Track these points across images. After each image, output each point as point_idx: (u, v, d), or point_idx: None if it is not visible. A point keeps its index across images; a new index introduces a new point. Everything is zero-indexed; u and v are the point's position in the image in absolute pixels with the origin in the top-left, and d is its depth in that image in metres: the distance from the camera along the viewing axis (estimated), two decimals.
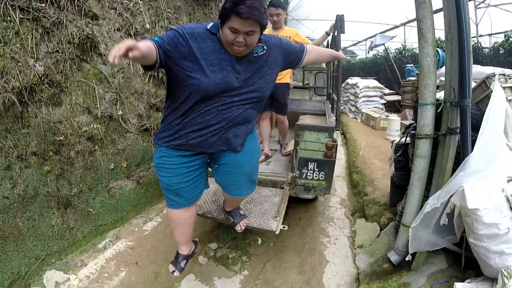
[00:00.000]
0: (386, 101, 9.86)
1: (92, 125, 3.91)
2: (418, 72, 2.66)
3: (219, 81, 1.71)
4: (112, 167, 4.15)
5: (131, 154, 4.46)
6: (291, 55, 2.03)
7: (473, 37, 9.73)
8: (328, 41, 4.94)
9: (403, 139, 3.05)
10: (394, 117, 7.66)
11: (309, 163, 3.32)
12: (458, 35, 2.17)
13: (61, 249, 3.41)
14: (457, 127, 2.20)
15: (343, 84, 11.83)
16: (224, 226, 3.77)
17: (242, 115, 1.91)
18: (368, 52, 12.30)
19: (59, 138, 3.55)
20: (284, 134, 4.45)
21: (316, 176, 3.34)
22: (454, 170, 2.14)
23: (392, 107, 9.79)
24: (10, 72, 3.22)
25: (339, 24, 3.38)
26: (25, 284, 3.00)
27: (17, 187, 3.15)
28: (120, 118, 4.34)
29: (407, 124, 3.92)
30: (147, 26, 5.25)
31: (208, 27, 1.73)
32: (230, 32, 1.58)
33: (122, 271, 3.19)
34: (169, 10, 6.03)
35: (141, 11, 5.27)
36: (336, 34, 3.61)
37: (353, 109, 10.44)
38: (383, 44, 10.54)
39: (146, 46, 1.60)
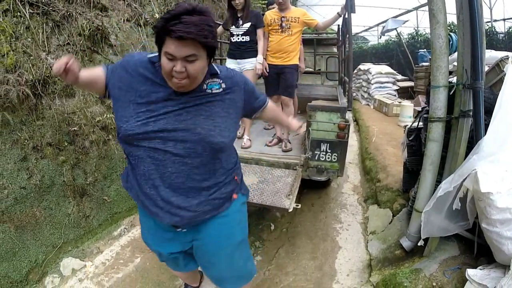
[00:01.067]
0: (399, 87, 9.72)
1: (105, 115, 3.98)
2: (430, 57, 2.61)
3: (141, 120, 1.30)
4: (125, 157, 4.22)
5: None
6: (251, 104, 1.62)
7: (487, 22, 9.46)
8: (338, 24, 4.87)
9: (416, 123, 3.01)
10: (407, 103, 7.56)
11: (322, 144, 3.31)
12: (470, 15, 2.12)
13: (77, 237, 3.52)
14: (470, 110, 2.17)
15: (355, 71, 11.66)
16: None
17: (182, 174, 1.38)
18: (380, 37, 12.08)
19: (73, 129, 3.63)
20: None
21: (328, 158, 3.33)
22: (467, 154, 2.12)
23: (405, 93, 9.64)
24: (23, 65, 3.29)
25: (349, 4, 3.32)
26: (42, 272, 3.10)
27: (33, 177, 3.25)
28: None
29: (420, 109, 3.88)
30: (156, 15, 5.26)
31: (149, 55, 1.37)
32: (166, 59, 1.19)
33: (137, 257, 3.29)
34: None
35: (149, 0, 5.28)
36: (346, 15, 3.56)
37: (366, 95, 10.31)
38: (395, 29, 10.34)
39: (88, 74, 1.36)
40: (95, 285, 2.98)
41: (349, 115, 3.31)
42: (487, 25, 8.84)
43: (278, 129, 4.12)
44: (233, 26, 3.82)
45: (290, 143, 3.92)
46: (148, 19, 5.07)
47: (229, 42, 4.10)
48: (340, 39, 5.19)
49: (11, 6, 3.34)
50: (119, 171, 4.11)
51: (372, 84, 9.80)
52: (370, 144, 5.70)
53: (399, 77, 10.06)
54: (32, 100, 3.29)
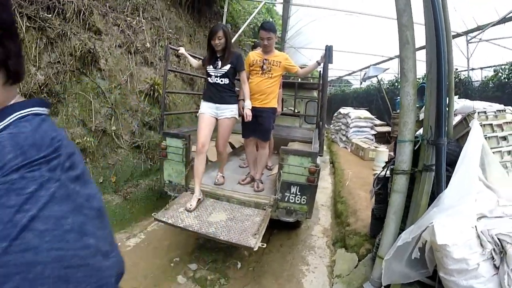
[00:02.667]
0: (376, 132, 10.07)
1: (85, 137, 4.02)
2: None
3: None
4: (101, 181, 4.22)
5: (120, 169, 4.55)
6: None
7: (464, 71, 10.07)
8: (320, 70, 5.12)
9: (383, 172, 3.16)
10: (383, 148, 7.83)
11: (292, 186, 3.42)
12: (437, 75, 2.32)
13: None
14: (433, 164, 2.33)
15: (336, 114, 12.09)
16: (206, 248, 3.82)
17: None
18: (361, 83, 12.63)
19: None
20: (262, 165, 4.07)
21: (298, 200, 3.43)
22: (430, 206, 2.24)
23: (382, 138, 10.00)
24: None
25: (327, 54, 3.51)
26: None
27: None
28: (113, 133, 4.47)
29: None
30: (148, 45, 5.42)
31: None
32: None
33: None
34: (170, 30, 6.24)
35: (143, 29, 5.46)
36: (325, 63, 3.76)
37: (344, 138, 10.63)
38: (376, 76, 10.86)
39: None
40: None
41: (319, 160, 3.43)
42: (464, 74, 9.39)
43: (252, 169, 4.14)
44: (211, 67, 3.61)
45: (262, 183, 3.98)
46: (139, 48, 5.20)
47: (205, 81, 3.97)
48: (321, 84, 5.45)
49: None
50: None
51: (351, 128, 10.13)
52: (344, 187, 5.84)
53: (377, 122, 10.45)
54: None
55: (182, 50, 4.04)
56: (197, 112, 3.86)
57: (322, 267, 3.65)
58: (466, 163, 2.17)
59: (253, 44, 5.54)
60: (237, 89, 3.89)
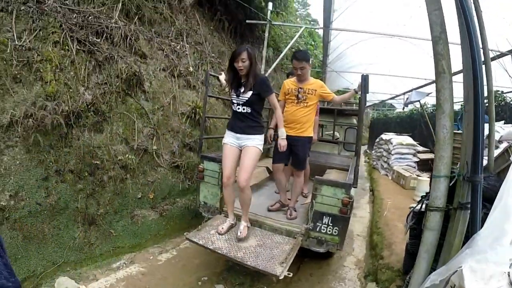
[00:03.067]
0: (419, 159, 9.65)
1: (127, 155, 4.30)
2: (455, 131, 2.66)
3: None
4: (139, 196, 4.47)
5: (159, 187, 4.78)
6: None
7: (509, 92, 9.39)
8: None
9: (419, 206, 3.06)
10: (425, 177, 7.51)
11: (324, 217, 3.42)
12: (474, 107, 2.22)
13: (77, 260, 3.72)
14: (469, 202, 2.23)
15: (377, 139, 11.80)
16: (234, 270, 3.87)
17: None
18: (403, 108, 12.24)
19: (95, 162, 3.96)
20: (296, 193, 4.09)
21: (329, 231, 3.42)
22: (463, 247, 2.12)
23: (425, 165, 9.55)
24: (62, 96, 3.72)
25: (363, 84, 3.47)
26: (37, 283, 3.31)
27: (50, 197, 3.56)
28: (154, 152, 4.74)
29: None
30: (191, 68, 5.72)
31: None
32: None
33: None
34: (213, 54, 6.53)
35: (186, 54, 5.78)
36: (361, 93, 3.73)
37: (385, 165, 10.31)
38: (419, 101, 10.54)
39: None
40: None
41: (359, 187, 3.40)
42: (510, 97, 8.79)
43: (283, 195, 4.13)
44: (233, 93, 3.35)
45: (295, 211, 3.96)
46: (182, 71, 5.50)
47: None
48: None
49: (61, 39, 3.83)
50: (129, 208, 4.35)
51: (392, 154, 9.82)
52: (381, 218, 5.66)
53: (420, 148, 10.01)
54: (64, 129, 3.67)
55: (221, 77, 3.83)
56: None
57: None
58: (504, 201, 2.02)
59: (287, 72, 5.63)
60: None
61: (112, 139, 4.24)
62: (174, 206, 4.95)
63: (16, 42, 3.56)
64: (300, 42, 13.76)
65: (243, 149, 3.34)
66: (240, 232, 3.37)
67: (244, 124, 3.33)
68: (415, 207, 3.14)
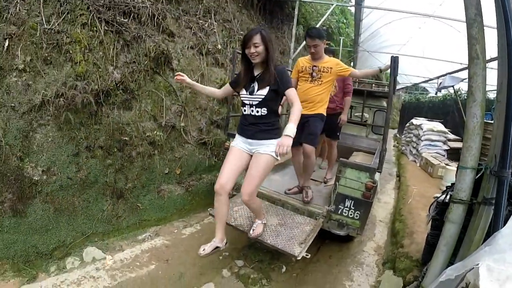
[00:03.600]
0: (449, 148, 9.34)
1: (155, 131, 4.48)
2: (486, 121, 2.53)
3: None
4: (166, 172, 4.68)
5: (186, 163, 4.98)
6: None
7: None
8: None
9: (443, 197, 3.02)
10: (454, 166, 7.30)
11: (347, 200, 3.45)
12: (507, 98, 2.13)
13: (105, 231, 3.99)
14: (493, 198, 2.19)
15: (408, 124, 11.49)
16: (255, 247, 4.01)
17: None
18: (436, 92, 11.75)
19: (124, 138, 4.15)
20: (308, 173, 3.94)
21: (351, 214, 3.44)
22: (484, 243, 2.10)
23: (455, 154, 9.21)
24: (91, 76, 3.87)
25: (392, 66, 3.35)
26: (66, 252, 3.60)
27: (80, 172, 3.80)
28: (182, 129, 4.90)
29: None
30: (219, 46, 5.74)
31: None
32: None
33: (153, 264, 3.61)
34: (241, 32, 6.50)
35: (214, 31, 5.79)
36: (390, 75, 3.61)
37: (414, 151, 10.07)
38: (453, 86, 10.08)
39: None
40: (108, 277, 3.35)
41: (387, 172, 3.39)
42: None
43: (300, 179, 4.05)
44: (245, 91, 2.78)
45: (311, 191, 3.94)
46: (210, 49, 5.53)
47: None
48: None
49: (89, 21, 3.95)
50: (156, 183, 4.56)
51: (422, 140, 9.55)
52: (405, 205, 5.61)
53: (451, 136, 9.66)
54: (93, 107, 3.84)
55: (185, 77, 3.14)
56: None
57: (365, 286, 3.61)
58: None
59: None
60: None
61: (140, 116, 4.40)
62: (200, 182, 5.13)
63: (45, 26, 3.69)
64: (332, 19, 13.35)
65: (253, 156, 2.83)
66: (253, 230, 3.16)
67: (257, 128, 2.77)
68: (439, 197, 3.10)
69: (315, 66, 3.78)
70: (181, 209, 4.78)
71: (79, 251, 3.65)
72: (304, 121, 3.65)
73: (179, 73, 3.00)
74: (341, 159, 3.58)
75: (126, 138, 4.18)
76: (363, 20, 13.05)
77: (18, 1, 3.65)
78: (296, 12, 7.96)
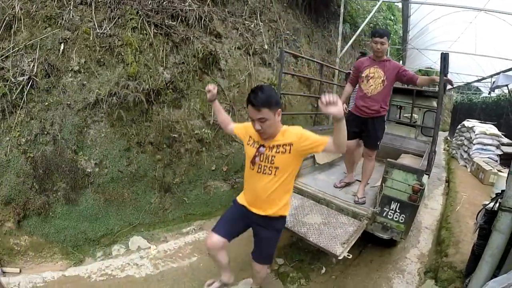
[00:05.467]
0: (502, 153, 8.79)
1: (203, 129, 4.79)
2: None
3: None
4: (213, 168, 4.98)
5: (232, 160, 5.24)
6: None
7: None
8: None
9: (492, 204, 2.91)
10: (506, 173, 6.92)
11: (392, 202, 3.42)
12: None
13: (151, 223, 4.31)
14: None
15: (459, 126, 10.99)
16: (296, 247, 4.11)
17: None
18: (489, 93, 11.08)
19: (173, 135, 4.48)
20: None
21: (396, 217, 3.41)
22: None
23: (509, 160, 8.70)
24: (142, 76, 4.18)
25: (443, 64, 3.27)
26: (113, 240, 3.94)
27: (131, 166, 4.15)
28: None
29: None
30: (266, 46, 5.92)
31: None
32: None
33: (195, 257, 3.85)
34: (287, 32, 6.63)
35: (261, 32, 5.96)
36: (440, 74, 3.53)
37: (465, 155, 9.60)
38: (507, 85, 9.46)
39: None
40: (151, 265, 3.62)
41: (435, 177, 3.33)
42: None
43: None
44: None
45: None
46: (257, 49, 5.71)
47: None
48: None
49: (139, 24, 4.26)
50: (203, 179, 4.86)
51: (474, 144, 9.08)
52: (453, 212, 5.43)
53: (505, 140, 9.06)
54: (145, 105, 4.16)
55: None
56: (312, 113, 3.99)
57: None
58: None
59: (360, 52, 5.48)
60: None
61: (189, 114, 4.69)
62: None
63: (98, 30, 4.05)
64: (378, 16, 13.06)
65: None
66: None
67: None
68: (488, 204, 3.01)
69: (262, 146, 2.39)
70: (225, 205, 4.95)
71: (125, 239, 3.97)
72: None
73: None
74: (388, 159, 3.55)
75: (175, 135, 4.48)
76: (411, 16, 12.64)
77: (71, 8, 4.02)
78: (342, 9, 7.92)
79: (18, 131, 3.68)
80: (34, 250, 3.56)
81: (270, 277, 3.55)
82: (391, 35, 13.85)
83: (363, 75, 3.87)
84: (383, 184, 3.45)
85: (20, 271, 3.36)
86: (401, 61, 15.55)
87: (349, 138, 3.70)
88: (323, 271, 3.76)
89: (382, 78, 3.73)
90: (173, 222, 4.43)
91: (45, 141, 3.76)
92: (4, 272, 3.28)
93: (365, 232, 3.53)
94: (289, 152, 2.24)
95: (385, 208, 3.45)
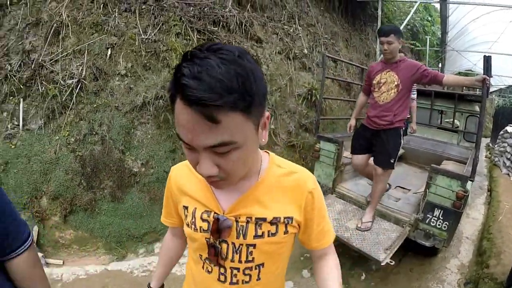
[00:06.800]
0: None
1: None
2: None
3: None
4: None
5: None
6: None
7: None
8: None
9: None
10: None
11: (436, 209, 3.39)
12: None
13: None
14: None
15: (501, 132, 10.64)
16: (337, 252, 4.09)
17: None
18: None
19: None
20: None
21: (439, 225, 3.39)
22: None
23: None
24: None
25: (485, 67, 3.18)
26: (156, 238, 4.13)
27: None
28: (272, 131, 5.32)
29: None
30: (305, 51, 6.07)
31: None
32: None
33: None
34: (326, 36, 6.74)
35: (300, 36, 6.11)
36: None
37: (508, 163, 9.29)
38: None
39: None
40: None
41: (477, 185, 3.33)
42: None
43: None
44: None
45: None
46: (297, 54, 5.88)
47: None
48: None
49: (182, 30, 4.45)
50: None
51: None
52: (495, 222, 5.32)
53: None
54: None
55: None
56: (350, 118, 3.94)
57: None
58: None
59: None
60: None
61: None
62: None
63: (143, 36, 4.30)
64: (416, 18, 12.87)
65: None
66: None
67: None
68: None
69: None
70: None
71: None
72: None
73: None
74: (432, 165, 3.54)
75: None
76: (450, 17, 12.37)
77: (116, 15, 4.28)
78: (379, 12, 7.91)
79: (67, 131, 3.98)
80: (78, 244, 3.84)
81: (310, 280, 3.64)
82: (429, 37, 13.61)
83: (374, 82, 3.48)
84: (427, 190, 3.44)
85: (63, 263, 3.64)
86: (440, 64, 15.16)
87: (356, 152, 3.67)
88: (363, 277, 3.80)
89: (395, 83, 3.31)
90: None
91: (93, 141, 4.04)
92: (47, 263, 3.57)
93: (406, 240, 3.53)
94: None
95: (428, 215, 3.43)
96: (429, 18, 15.12)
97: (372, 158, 3.65)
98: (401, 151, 4.33)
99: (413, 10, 9.17)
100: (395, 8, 11.12)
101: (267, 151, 1.08)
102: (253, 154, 0.87)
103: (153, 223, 4.18)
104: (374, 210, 3.70)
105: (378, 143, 3.49)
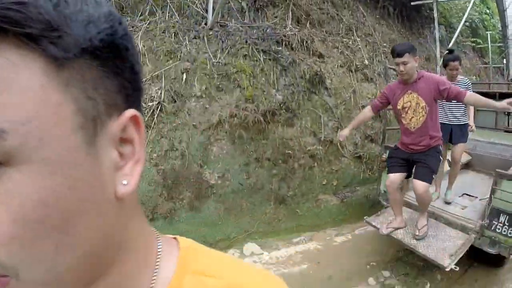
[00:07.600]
0: None
1: (315, 146, 5.25)
2: None
3: None
4: (324, 183, 5.37)
5: (342, 175, 5.58)
6: None
7: None
8: None
9: None
10: None
11: (501, 215, 3.28)
12: None
13: (265, 231, 4.76)
14: None
15: None
16: (402, 261, 4.23)
17: None
18: None
19: (288, 152, 4.98)
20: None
21: (505, 231, 3.26)
22: None
23: None
24: (258, 98, 4.77)
25: None
26: (229, 244, 4.39)
27: (250, 179, 4.71)
28: (338, 143, 5.53)
29: None
30: (366, 62, 6.27)
31: None
32: None
33: (304, 264, 4.12)
34: (384, 44, 6.84)
35: (359, 47, 6.31)
36: None
37: None
38: None
39: None
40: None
41: None
42: None
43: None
44: None
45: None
46: (358, 65, 6.11)
47: None
48: None
49: (249, 52, 4.86)
50: (314, 193, 5.26)
51: None
52: None
53: None
54: (262, 125, 4.71)
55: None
56: None
57: None
58: None
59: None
60: None
61: (301, 132, 5.20)
62: (354, 194, 5.59)
63: (213, 60, 4.71)
64: (473, 13, 12.32)
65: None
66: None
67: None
68: None
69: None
70: (335, 218, 5.26)
71: (240, 245, 4.40)
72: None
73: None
74: (497, 169, 3.45)
75: (289, 152, 4.98)
76: (508, 9, 11.73)
77: (187, 43, 4.74)
78: (435, 13, 7.80)
79: (150, 147, 4.45)
80: None
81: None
82: (490, 32, 12.94)
83: (398, 107, 3.25)
84: (492, 196, 3.36)
85: None
86: (504, 60, 14.18)
87: (394, 171, 3.50)
88: (427, 286, 3.78)
89: (421, 104, 3.09)
90: (285, 232, 4.82)
91: (174, 156, 4.48)
92: None
93: (472, 248, 3.47)
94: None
95: (493, 221, 3.30)
96: (487, 11, 14.33)
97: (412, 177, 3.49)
98: (467, 157, 4.33)
99: (470, 5, 8.86)
100: (450, 6, 10.81)
101: (176, 236, 0.50)
102: (95, 216, 0.32)
103: (227, 231, 4.52)
104: (425, 214, 3.67)
105: (418, 160, 3.33)
